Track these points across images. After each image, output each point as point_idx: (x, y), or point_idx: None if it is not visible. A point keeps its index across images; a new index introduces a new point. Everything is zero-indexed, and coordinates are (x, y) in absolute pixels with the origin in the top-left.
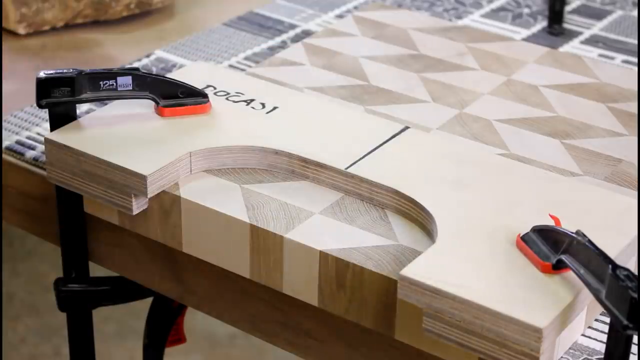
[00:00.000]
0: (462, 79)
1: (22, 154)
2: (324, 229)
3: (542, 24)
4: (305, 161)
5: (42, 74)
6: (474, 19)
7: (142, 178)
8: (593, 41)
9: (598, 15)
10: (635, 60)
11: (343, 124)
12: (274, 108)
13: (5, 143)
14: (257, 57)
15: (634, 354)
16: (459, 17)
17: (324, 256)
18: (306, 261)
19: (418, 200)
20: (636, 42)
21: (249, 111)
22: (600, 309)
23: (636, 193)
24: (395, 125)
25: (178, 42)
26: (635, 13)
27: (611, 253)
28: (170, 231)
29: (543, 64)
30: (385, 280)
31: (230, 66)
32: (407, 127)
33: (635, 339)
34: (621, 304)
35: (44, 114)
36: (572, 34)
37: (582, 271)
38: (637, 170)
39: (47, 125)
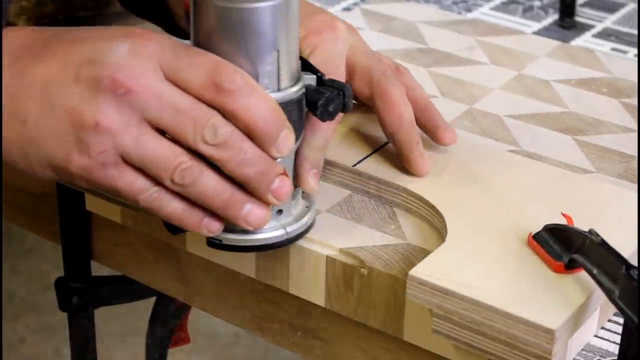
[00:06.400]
0: (471, 73)
1: None
2: (331, 228)
3: (553, 17)
4: None
5: None
6: (484, 12)
7: None
8: (605, 35)
9: (610, 8)
10: None
11: (351, 121)
12: None
13: None
14: None
15: None
16: (468, 10)
17: (331, 255)
18: (313, 261)
19: (427, 199)
20: None
21: None
22: (614, 310)
23: None
24: None
25: None
26: None
27: (625, 252)
28: None
29: (554, 58)
30: (394, 280)
31: None
32: None
33: None
34: (635, 304)
35: None
36: (584, 28)
37: (595, 271)
38: (637, 168)
39: None
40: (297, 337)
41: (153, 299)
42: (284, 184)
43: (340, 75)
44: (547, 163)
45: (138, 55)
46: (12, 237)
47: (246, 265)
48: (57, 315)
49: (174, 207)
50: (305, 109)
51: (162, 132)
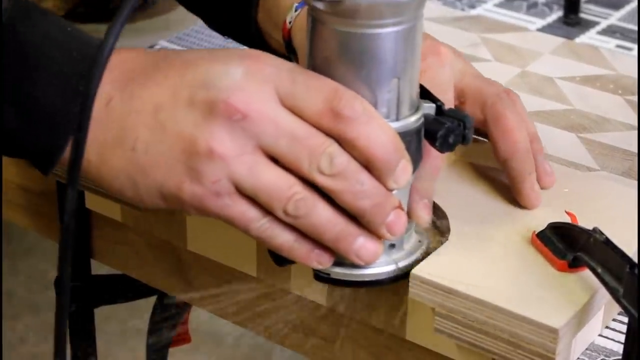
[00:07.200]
0: None
1: None
2: None
3: (557, 13)
4: None
5: None
6: (488, 9)
7: None
8: (610, 31)
9: (615, 4)
10: None
11: None
12: None
13: None
14: None
15: None
16: (472, 7)
17: None
18: None
19: None
20: None
21: None
22: (618, 309)
23: None
24: None
25: (183, 32)
26: None
27: (629, 251)
28: (174, 228)
29: (559, 55)
30: None
31: None
32: None
33: None
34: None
35: None
36: (588, 24)
37: (599, 270)
38: (637, 165)
39: None
40: (299, 336)
41: (153, 298)
42: (399, 218)
43: (448, 102)
44: (551, 161)
45: (254, 79)
46: (11, 235)
47: (247, 264)
48: None
49: (285, 239)
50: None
51: (274, 160)
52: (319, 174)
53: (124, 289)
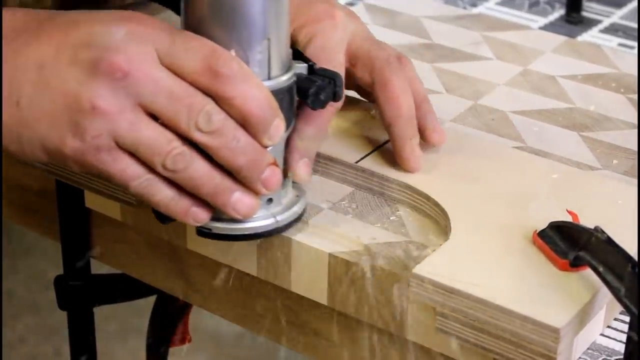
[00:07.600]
0: (476, 69)
1: None
2: (334, 225)
3: (559, 12)
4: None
5: None
6: (489, 7)
7: None
8: (612, 30)
9: (617, 3)
10: None
11: (354, 117)
12: None
13: None
14: None
15: None
16: (474, 5)
17: (333, 253)
18: (315, 258)
19: (431, 195)
20: None
21: None
22: (620, 308)
23: None
24: None
25: None
26: None
27: (631, 250)
28: (174, 227)
29: (560, 53)
30: (397, 278)
31: None
32: None
33: None
34: None
35: None
36: (590, 23)
37: (600, 269)
38: (637, 163)
39: None
40: (300, 336)
41: (153, 298)
42: (274, 174)
43: (338, 64)
44: (553, 159)
45: (135, 40)
46: (11, 235)
47: (247, 263)
48: (57, 314)
49: (163, 195)
50: (297, 98)
51: (154, 118)
52: (196, 131)
53: (124, 289)
